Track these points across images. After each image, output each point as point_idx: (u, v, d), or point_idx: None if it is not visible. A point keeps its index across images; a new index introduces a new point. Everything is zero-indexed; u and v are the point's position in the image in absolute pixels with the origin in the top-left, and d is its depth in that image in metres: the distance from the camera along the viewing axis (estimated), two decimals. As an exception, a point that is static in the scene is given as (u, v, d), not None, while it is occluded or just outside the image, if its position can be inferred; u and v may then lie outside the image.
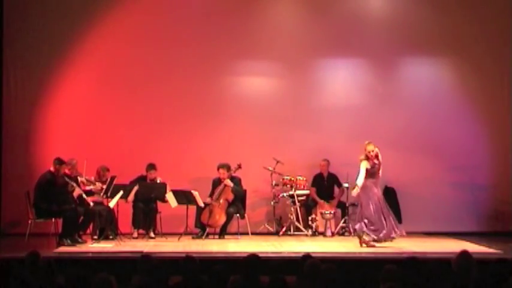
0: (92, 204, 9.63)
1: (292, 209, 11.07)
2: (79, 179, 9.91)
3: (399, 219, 11.35)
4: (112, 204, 9.87)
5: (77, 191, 9.64)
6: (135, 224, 10.54)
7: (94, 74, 11.50)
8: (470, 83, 11.75)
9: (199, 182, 10.98)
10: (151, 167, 10.62)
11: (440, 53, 11.81)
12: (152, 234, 10.46)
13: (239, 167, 10.64)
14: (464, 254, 5.45)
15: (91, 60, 11.50)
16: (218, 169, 10.68)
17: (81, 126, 11.38)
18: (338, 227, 11.05)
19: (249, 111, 11.63)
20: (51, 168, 9.59)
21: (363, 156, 9.42)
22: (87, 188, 10.09)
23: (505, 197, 11.62)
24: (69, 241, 9.36)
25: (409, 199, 11.38)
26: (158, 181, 10.54)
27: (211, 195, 10.69)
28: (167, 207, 10.52)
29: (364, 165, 9.36)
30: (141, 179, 10.58)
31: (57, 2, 11.49)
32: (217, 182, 10.77)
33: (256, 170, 11.10)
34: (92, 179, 10.24)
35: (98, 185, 10.14)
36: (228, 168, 10.66)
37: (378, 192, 9.52)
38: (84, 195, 9.70)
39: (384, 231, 9.29)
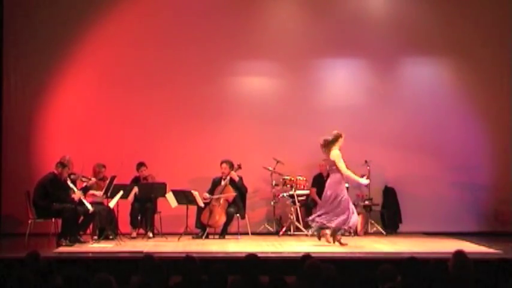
0: (91, 209, 9.61)
1: (292, 209, 11.07)
2: (71, 185, 9.86)
3: (399, 219, 11.41)
4: (112, 204, 9.87)
5: (77, 195, 9.63)
6: (132, 223, 10.58)
7: (94, 75, 11.52)
8: (470, 82, 11.76)
9: (199, 182, 10.98)
10: (140, 165, 10.68)
11: (440, 53, 11.82)
12: (150, 234, 10.45)
13: (239, 167, 10.63)
14: (459, 254, 5.44)
15: (91, 61, 11.51)
16: (221, 164, 10.66)
17: (82, 126, 11.39)
18: (338, 227, 11.05)
19: (249, 112, 11.64)
20: (54, 171, 9.60)
21: (338, 147, 9.46)
22: (83, 185, 10.07)
23: (505, 197, 11.62)
24: (68, 241, 9.36)
25: (409, 199, 11.41)
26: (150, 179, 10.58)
27: (210, 193, 10.67)
28: (167, 207, 10.52)
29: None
30: (135, 181, 10.58)
31: (57, 2, 11.50)
32: (217, 181, 10.76)
33: (256, 170, 11.11)
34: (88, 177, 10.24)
35: (93, 179, 10.13)
36: (231, 165, 10.65)
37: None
38: (84, 200, 9.66)
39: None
